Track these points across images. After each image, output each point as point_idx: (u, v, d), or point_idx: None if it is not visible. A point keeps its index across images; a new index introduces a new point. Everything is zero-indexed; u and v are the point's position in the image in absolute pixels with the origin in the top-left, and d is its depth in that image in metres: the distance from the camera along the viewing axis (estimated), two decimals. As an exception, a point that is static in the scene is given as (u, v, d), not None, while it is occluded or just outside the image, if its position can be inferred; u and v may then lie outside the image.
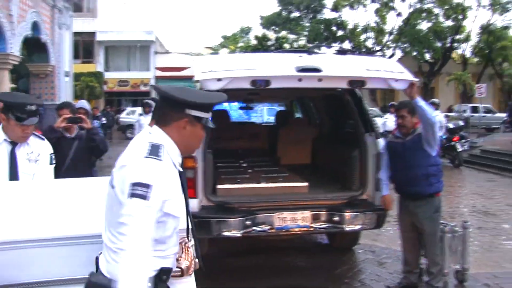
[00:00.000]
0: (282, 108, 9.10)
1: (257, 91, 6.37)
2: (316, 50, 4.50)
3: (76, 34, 28.47)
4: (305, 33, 29.86)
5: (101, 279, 1.78)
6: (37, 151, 3.13)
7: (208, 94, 2.05)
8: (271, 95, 7.48)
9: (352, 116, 4.85)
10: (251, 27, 33.28)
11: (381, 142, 4.62)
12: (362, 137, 4.70)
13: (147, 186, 1.72)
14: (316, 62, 3.65)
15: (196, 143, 2.03)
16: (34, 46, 15.81)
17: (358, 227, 4.50)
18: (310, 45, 4.91)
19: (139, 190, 1.71)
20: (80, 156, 4.44)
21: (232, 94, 7.41)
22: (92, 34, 31.61)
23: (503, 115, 26.24)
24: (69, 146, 4.34)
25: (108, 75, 32.28)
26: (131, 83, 32.27)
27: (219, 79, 3.47)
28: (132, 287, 1.64)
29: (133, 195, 1.70)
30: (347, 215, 4.40)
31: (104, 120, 17.43)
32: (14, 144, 3.01)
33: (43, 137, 3.34)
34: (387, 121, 13.84)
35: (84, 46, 31.68)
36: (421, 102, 3.87)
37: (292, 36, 6.20)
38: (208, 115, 1.97)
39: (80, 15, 30.49)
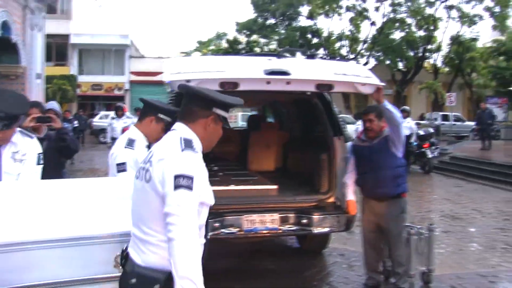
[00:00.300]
0: (254, 113, 9.15)
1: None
2: (287, 54, 4.55)
3: (49, 36, 27.97)
4: (276, 37, 30.10)
5: (146, 270, 1.89)
6: (24, 151, 2.99)
7: (230, 97, 2.14)
8: (244, 100, 7.51)
9: (321, 120, 4.91)
10: (227, 32, 33.40)
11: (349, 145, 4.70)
12: (330, 141, 4.77)
13: (189, 177, 1.83)
14: (284, 65, 3.70)
15: (215, 140, 2.14)
16: (4, 47, 15.45)
17: (326, 229, 4.55)
18: (280, 49, 4.96)
19: (184, 181, 1.82)
20: (49, 157, 4.35)
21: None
22: (66, 36, 31.12)
23: (472, 123, 26.96)
24: None
25: (81, 79, 31.80)
26: (105, 87, 31.86)
27: (188, 81, 3.47)
28: (190, 272, 1.75)
29: (178, 186, 1.81)
30: (315, 217, 4.44)
31: (76, 123, 17.15)
32: None
33: (32, 135, 3.20)
34: (359, 128, 14.01)
35: (58, 48, 31.14)
36: (388, 105, 3.97)
37: (263, 40, 6.25)
38: (228, 116, 2.12)
39: (54, 17, 29.98)
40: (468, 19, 29.95)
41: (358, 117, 14.48)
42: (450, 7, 30.00)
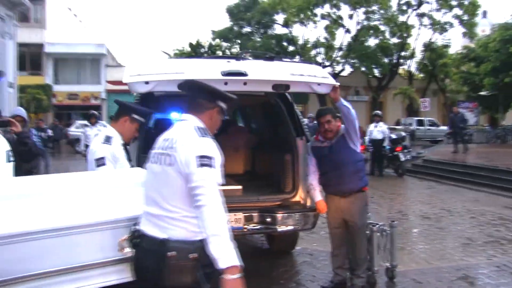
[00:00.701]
0: (224, 117, 9.22)
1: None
2: (247, 57, 4.64)
3: (23, 45, 27.72)
4: (238, 41, 30.33)
5: (178, 243, 2.14)
6: None
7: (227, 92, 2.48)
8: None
9: (284, 122, 5.01)
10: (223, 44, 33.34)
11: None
12: (294, 142, 4.86)
13: (210, 157, 2.14)
14: (242, 67, 3.78)
15: (215, 130, 2.43)
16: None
17: (290, 227, 4.62)
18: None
19: (206, 161, 2.12)
20: None
21: (179, 104, 7.46)
22: (40, 45, 30.81)
23: (446, 127, 27.57)
24: None
25: (57, 88, 31.45)
26: (81, 97, 31.56)
27: (147, 82, 3.54)
28: (221, 231, 2.03)
29: (202, 165, 2.11)
30: (279, 216, 4.52)
31: (50, 132, 16.93)
32: None
33: None
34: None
35: (32, 57, 30.79)
36: (345, 102, 4.09)
37: (225, 44, 6.36)
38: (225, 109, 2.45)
39: (27, 26, 29.68)
40: (439, 27, 30.81)
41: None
42: (421, 15, 30.81)
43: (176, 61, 4.59)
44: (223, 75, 3.64)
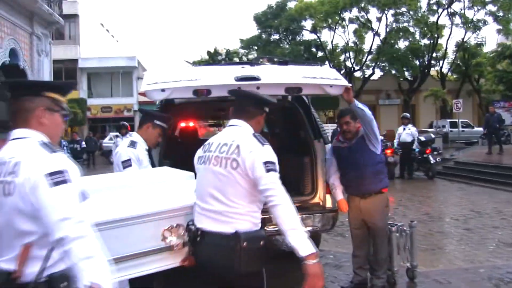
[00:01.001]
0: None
1: (223, 108, 6.67)
2: (262, 62, 4.77)
3: (58, 61, 28.80)
4: (255, 47, 30.50)
5: (247, 233, 2.43)
6: None
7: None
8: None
9: (302, 125, 5.10)
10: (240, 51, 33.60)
11: (330, 148, 4.87)
12: (312, 144, 4.95)
13: (273, 163, 2.45)
14: (255, 72, 3.90)
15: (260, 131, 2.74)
16: (13, 73, 15.99)
17: (309, 228, 4.68)
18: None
19: (271, 166, 2.42)
20: None
21: (200, 112, 7.63)
22: (75, 61, 31.94)
23: (481, 129, 26.87)
24: None
25: (91, 102, 32.46)
26: (114, 109, 32.45)
27: (163, 90, 3.70)
28: (296, 224, 2.34)
29: (269, 170, 2.40)
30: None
31: (83, 144, 17.53)
32: None
33: None
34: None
35: (67, 73, 31.91)
36: (359, 104, 4.15)
37: (242, 51, 6.50)
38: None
39: (62, 43, 30.87)
40: (471, 25, 30.01)
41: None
42: (453, 14, 30.12)
43: (193, 69, 4.74)
44: (236, 80, 3.76)
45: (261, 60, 4.96)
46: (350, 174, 4.60)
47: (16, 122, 1.88)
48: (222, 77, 3.85)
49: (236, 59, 5.50)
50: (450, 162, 15.77)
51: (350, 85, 4.04)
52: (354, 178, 4.57)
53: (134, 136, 3.93)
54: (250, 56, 5.48)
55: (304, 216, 4.65)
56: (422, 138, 13.90)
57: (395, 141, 13.99)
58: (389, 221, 4.80)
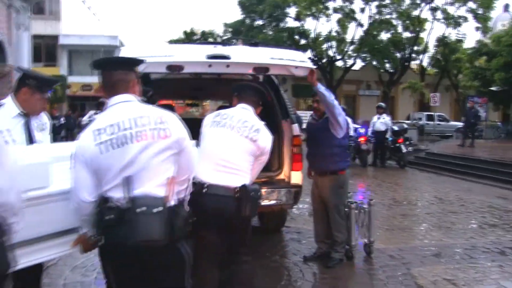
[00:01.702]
0: (222, 103, 9.56)
1: (200, 87, 6.86)
2: (234, 42, 4.98)
3: (38, 37, 28.36)
4: (230, 29, 30.59)
5: (251, 186, 3.19)
6: (43, 120, 3.42)
7: None
8: (214, 92, 7.91)
9: (271, 106, 5.34)
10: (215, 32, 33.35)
11: (296, 127, 5.15)
12: (279, 124, 5.21)
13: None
14: (226, 51, 4.13)
15: None
16: (-10, 46, 15.86)
17: (273, 202, 4.97)
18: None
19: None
20: None
21: (178, 92, 7.80)
22: (55, 37, 31.47)
23: (457, 123, 27.54)
24: None
25: (71, 79, 32.11)
26: (94, 88, 32.14)
27: None
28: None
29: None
30: (263, 191, 4.86)
31: (62, 120, 17.51)
32: (27, 116, 3.24)
33: None
34: (349, 123, 14.39)
35: (47, 49, 31.49)
36: (321, 88, 4.42)
37: (217, 32, 6.71)
38: None
39: (42, 18, 30.37)
40: (452, 21, 30.55)
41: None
42: (434, 9, 30.59)
43: (168, 46, 4.95)
44: (207, 58, 4.00)
45: (234, 41, 5.18)
46: (309, 150, 5.02)
47: (116, 89, 2.38)
48: (195, 55, 4.08)
49: (211, 40, 5.69)
50: (422, 153, 16.26)
51: (315, 67, 4.30)
52: (312, 155, 4.98)
53: None
54: (224, 38, 5.66)
55: (269, 190, 4.93)
56: (395, 128, 14.31)
57: (370, 130, 14.37)
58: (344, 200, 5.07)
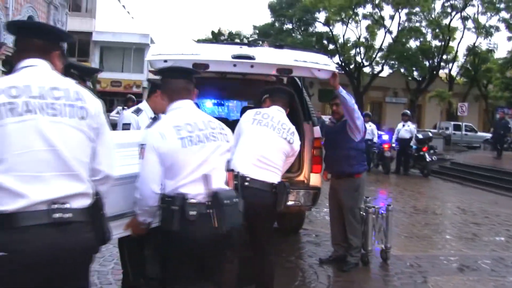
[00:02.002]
0: (247, 104, 9.63)
1: (225, 87, 6.96)
2: (259, 43, 5.05)
3: (73, 33, 29.05)
4: (257, 31, 30.57)
5: (283, 183, 3.55)
6: None
7: None
8: (241, 92, 7.98)
9: (294, 107, 5.40)
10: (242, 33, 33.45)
11: (317, 129, 5.19)
12: (301, 125, 5.25)
13: None
14: (251, 52, 4.22)
15: None
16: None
17: (291, 202, 5.01)
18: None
19: None
20: None
21: (206, 91, 7.95)
22: (89, 34, 32.21)
23: (485, 134, 26.98)
24: None
25: (101, 75, 32.74)
26: (124, 84, 32.79)
27: (165, 60, 4.03)
28: None
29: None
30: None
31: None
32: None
33: None
34: (373, 129, 14.25)
35: (80, 45, 32.23)
36: (342, 92, 4.47)
37: (244, 33, 6.80)
38: None
39: (78, 15, 31.14)
40: (484, 30, 29.95)
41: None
42: (465, 18, 30.08)
43: (194, 45, 5.06)
44: (232, 58, 4.09)
45: (260, 42, 5.27)
46: (327, 153, 5.08)
47: (182, 94, 2.63)
48: (220, 54, 4.17)
49: (238, 40, 5.78)
50: (447, 163, 16.00)
51: (337, 71, 4.34)
52: (329, 157, 5.03)
53: (142, 104, 4.24)
54: (251, 39, 5.75)
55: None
56: (420, 136, 14.14)
57: (394, 137, 14.26)
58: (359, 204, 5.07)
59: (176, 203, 2.38)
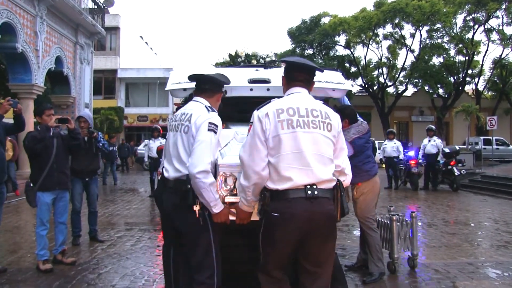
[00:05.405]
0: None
1: (244, 109, 7.11)
2: (274, 65, 5.19)
3: (99, 71, 30.19)
4: (275, 51, 30.67)
5: None
6: None
7: None
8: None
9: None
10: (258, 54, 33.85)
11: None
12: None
13: None
14: (267, 74, 4.36)
15: None
16: (57, 79, 17.12)
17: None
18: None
19: None
20: (60, 151, 5.18)
21: (223, 114, 8.14)
22: (114, 71, 33.27)
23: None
24: (51, 144, 5.13)
25: (128, 111, 33.66)
26: (150, 118, 33.53)
27: (185, 89, 4.20)
28: None
29: None
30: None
31: (115, 148, 18.50)
32: None
33: None
34: (386, 147, 14.37)
35: (106, 82, 33.32)
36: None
37: (262, 53, 6.99)
38: None
39: (103, 54, 32.32)
40: (510, 41, 29.47)
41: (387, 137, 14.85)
42: (489, 30, 29.72)
43: (212, 70, 5.23)
44: (249, 82, 4.23)
45: (277, 63, 5.43)
46: None
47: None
48: (237, 79, 4.29)
49: (254, 61, 5.96)
50: (477, 176, 15.67)
51: (351, 88, 4.44)
52: None
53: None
54: (268, 59, 5.92)
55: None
56: (447, 150, 13.96)
57: (420, 153, 14.12)
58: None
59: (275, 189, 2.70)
